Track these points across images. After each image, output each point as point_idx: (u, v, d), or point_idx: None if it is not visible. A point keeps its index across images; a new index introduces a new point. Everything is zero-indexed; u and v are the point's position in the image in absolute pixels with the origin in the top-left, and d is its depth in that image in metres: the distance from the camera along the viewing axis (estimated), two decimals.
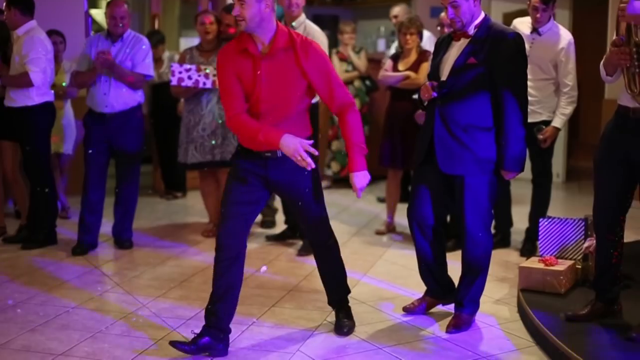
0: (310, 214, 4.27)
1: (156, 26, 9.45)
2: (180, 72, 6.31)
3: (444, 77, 4.42)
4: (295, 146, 3.86)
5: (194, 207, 7.98)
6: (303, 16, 6.20)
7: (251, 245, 6.32)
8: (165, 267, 5.83)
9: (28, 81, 6.06)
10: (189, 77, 6.30)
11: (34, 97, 6.18)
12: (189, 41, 9.92)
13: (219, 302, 4.11)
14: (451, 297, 4.71)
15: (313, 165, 3.93)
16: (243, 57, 4.02)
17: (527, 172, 5.10)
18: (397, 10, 7.54)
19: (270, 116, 4.01)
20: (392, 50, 8.06)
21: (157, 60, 8.14)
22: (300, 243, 6.29)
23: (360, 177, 4.09)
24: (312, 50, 4.01)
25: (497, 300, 5.03)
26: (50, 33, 6.64)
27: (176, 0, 11.08)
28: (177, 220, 7.54)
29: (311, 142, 3.95)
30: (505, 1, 9.55)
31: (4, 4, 6.21)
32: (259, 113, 4.02)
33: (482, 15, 4.40)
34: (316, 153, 3.93)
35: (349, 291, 4.55)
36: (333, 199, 8.04)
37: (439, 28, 6.58)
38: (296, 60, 3.98)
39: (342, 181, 9.01)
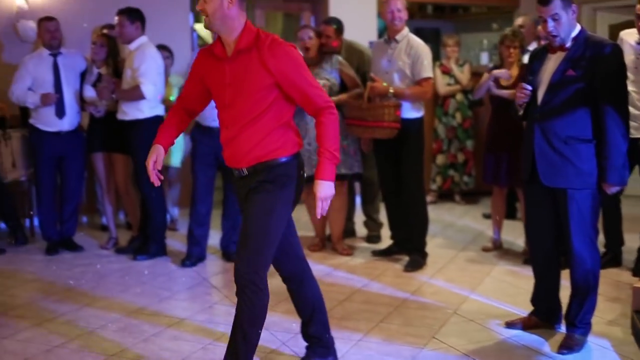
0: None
1: None
2: None
3: (541, 92, 4.34)
4: (324, 195, 3.60)
5: (299, 221, 7.93)
6: (406, 29, 6.17)
7: (357, 260, 6.39)
8: (272, 280, 5.81)
9: (140, 94, 6.24)
10: None
11: (145, 110, 6.36)
12: None
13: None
14: (555, 320, 4.64)
15: (156, 183, 3.77)
16: (213, 60, 3.71)
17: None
18: (522, 20, 7.33)
19: (237, 124, 3.66)
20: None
21: None
22: (406, 258, 6.26)
23: (325, 187, 3.59)
24: (280, 50, 3.57)
25: (610, 321, 4.88)
26: (158, 48, 6.81)
27: (279, 13, 11.18)
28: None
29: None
30: (611, 13, 9.32)
31: (117, 19, 6.41)
32: (225, 120, 3.73)
33: (578, 27, 4.29)
34: (158, 180, 3.79)
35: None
36: (438, 215, 8.01)
37: (535, 42, 6.46)
38: (260, 61, 3.56)
39: (446, 196, 8.96)
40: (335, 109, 3.67)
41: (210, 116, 6.16)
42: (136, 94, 6.28)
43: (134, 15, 6.40)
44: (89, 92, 6.64)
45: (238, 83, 3.61)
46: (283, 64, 3.56)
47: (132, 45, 6.42)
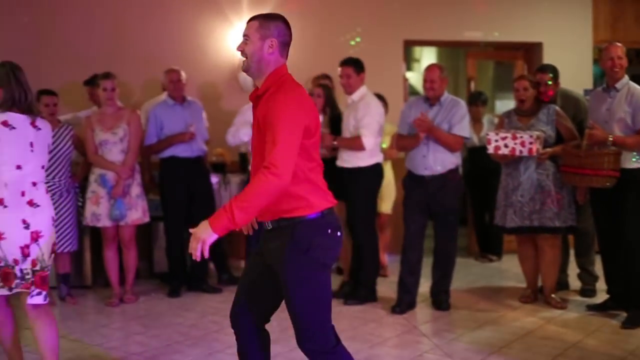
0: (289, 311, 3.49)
1: (472, 89, 9.58)
2: (496, 141, 6.26)
3: None
4: (197, 235, 3.23)
5: (509, 271, 7.90)
6: (626, 77, 5.92)
7: (570, 314, 6.19)
8: (484, 331, 5.80)
9: (360, 145, 6.41)
10: (505, 146, 6.22)
11: (366, 158, 6.51)
12: (504, 104, 9.96)
13: None
14: None
15: (197, 258, 3.24)
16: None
17: None
18: None
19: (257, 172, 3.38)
20: None
21: (477, 121, 8.25)
22: (624, 315, 5.98)
23: (202, 227, 3.20)
24: (274, 98, 3.33)
25: None
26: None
27: (490, 62, 11.15)
28: (493, 284, 7.50)
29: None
30: None
31: (342, 70, 6.59)
32: (252, 167, 3.57)
33: None
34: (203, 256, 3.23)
35: None
36: None
37: None
38: (260, 107, 3.41)
39: None
40: (277, 174, 3.18)
41: (421, 164, 6.22)
42: (357, 145, 6.46)
43: (360, 67, 6.60)
44: None
45: (255, 129, 3.49)
46: (267, 110, 3.33)
47: (355, 96, 6.61)
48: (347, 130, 6.61)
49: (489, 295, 6.97)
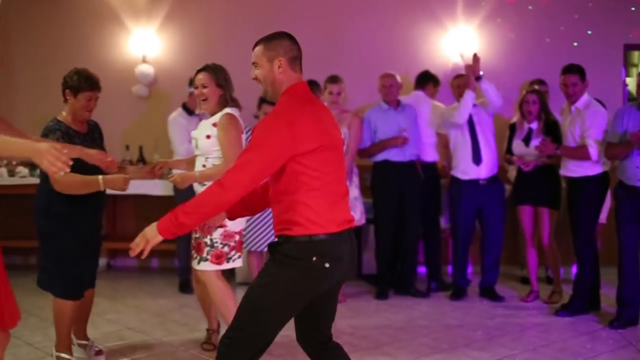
0: None
1: None
2: None
3: None
4: (145, 234, 3.26)
5: None
6: None
7: None
8: None
9: (587, 155, 6.24)
10: None
11: (595, 167, 6.34)
12: None
13: None
14: None
15: (133, 254, 3.27)
16: None
17: None
18: None
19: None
20: None
21: None
22: None
23: (149, 229, 3.25)
24: (264, 118, 3.39)
25: None
26: None
27: None
28: None
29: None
30: None
31: (567, 77, 6.41)
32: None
33: None
34: None
35: None
36: None
37: None
38: None
39: None
40: (224, 188, 3.20)
41: (634, 176, 5.94)
42: (583, 154, 6.29)
43: (584, 74, 6.42)
44: (520, 147, 6.79)
45: None
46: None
47: (580, 103, 6.43)
48: (572, 139, 6.44)
49: None
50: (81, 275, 4.85)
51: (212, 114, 5.01)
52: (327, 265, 3.26)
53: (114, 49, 8.67)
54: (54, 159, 2.95)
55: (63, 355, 4.86)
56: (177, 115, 7.33)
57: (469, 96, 6.86)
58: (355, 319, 6.36)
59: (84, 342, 5.15)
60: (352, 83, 7.98)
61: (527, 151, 6.75)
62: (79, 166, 4.41)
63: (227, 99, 5.04)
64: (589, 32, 8.42)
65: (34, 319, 6.15)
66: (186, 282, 7.30)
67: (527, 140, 6.77)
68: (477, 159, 6.92)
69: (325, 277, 3.31)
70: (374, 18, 8.45)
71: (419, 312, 6.59)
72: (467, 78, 6.94)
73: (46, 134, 4.69)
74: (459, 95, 7.02)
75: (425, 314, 6.54)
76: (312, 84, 7.56)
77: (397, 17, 8.43)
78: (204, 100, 5.00)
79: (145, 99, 8.69)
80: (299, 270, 3.26)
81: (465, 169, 6.99)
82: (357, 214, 6.87)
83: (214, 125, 4.93)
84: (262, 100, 6.68)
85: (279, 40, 3.45)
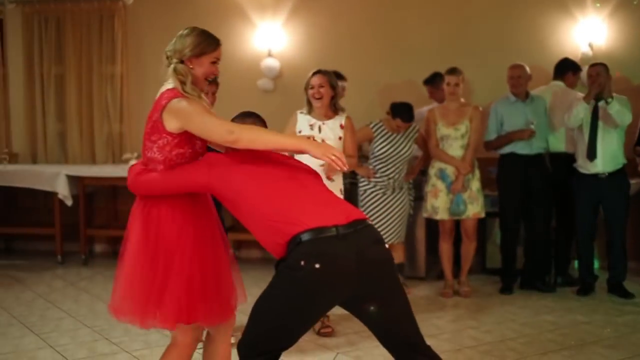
0: None
1: None
2: None
3: None
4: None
5: None
6: None
7: None
8: None
9: None
10: None
11: None
12: None
13: None
14: None
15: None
16: None
17: None
18: None
19: None
20: None
21: None
22: None
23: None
24: None
25: None
26: None
27: None
28: None
29: None
30: None
31: None
32: None
33: None
34: None
35: None
36: None
37: None
38: None
39: None
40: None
41: None
42: None
43: None
44: None
45: None
46: None
47: None
48: None
49: None
50: None
51: (325, 116, 5.64)
52: (317, 266, 3.01)
53: (240, 44, 8.85)
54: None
55: None
56: None
57: (581, 107, 6.68)
58: (480, 312, 6.30)
59: None
60: (478, 77, 7.90)
61: None
62: None
63: (336, 101, 5.62)
64: None
65: None
66: None
67: None
68: (591, 154, 6.71)
69: (321, 279, 3.03)
70: (501, 8, 8.29)
71: (544, 307, 6.46)
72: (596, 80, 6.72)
73: None
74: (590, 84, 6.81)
75: (551, 309, 6.41)
76: (435, 76, 7.56)
77: (525, 7, 8.25)
78: (319, 98, 5.52)
79: (271, 92, 8.83)
80: (291, 277, 3.07)
81: (583, 164, 6.81)
82: (479, 207, 6.84)
83: (341, 127, 5.63)
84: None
85: None
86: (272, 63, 8.73)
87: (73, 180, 8.35)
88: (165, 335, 5.31)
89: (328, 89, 5.53)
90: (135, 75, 9.09)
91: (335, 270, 3.03)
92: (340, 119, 5.62)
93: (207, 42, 3.45)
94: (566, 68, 7.45)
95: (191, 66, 3.41)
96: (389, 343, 3.29)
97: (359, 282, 3.08)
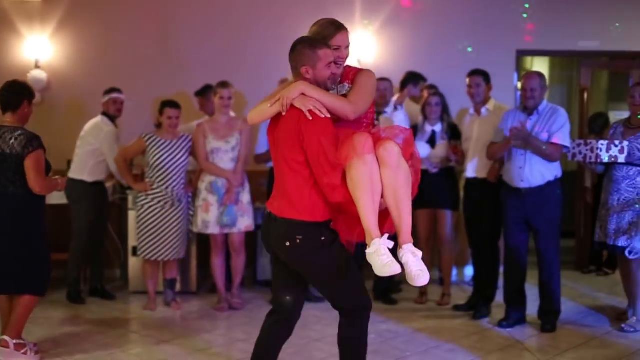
0: None
1: (585, 100, 9.34)
2: (573, 148, 6.20)
3: None
4: None
5: (619, 286, 7.62)
6: None
7: None
8: (589, 348, 5.65)
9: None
10: (580, 152, 6.14)
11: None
12: (617, 115, 9.65)
13: None
14: None
15: None
16: None
17: None
18: None
19: None
20: None
21: None
22: None
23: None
24: None
25: None
26: None
27: (604, 72, 10.82)
28: (600, 299, 7.35)
29: None
30: None
31: (472, 79, 6.63)
32: None
33: None
34: None
35: None
36: None
37: None
38: None
39: None
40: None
41: (518, 176, 6.16)
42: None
43: (488, 77, 6.62)
44: (424, 149, 6.85)
45: None
46: None
47: (490, 105, 6.68)
48: (483, 140, 6.56)
49: (595, 311, 6.81)
50: None
51: None
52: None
53: (7, 55, 8.43)
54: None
55: None
56: (108, 126, 7.19)
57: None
58: (250, 325, 6.30)
59: None
60: (249, 90, 7.96)
61: (433, 153, 6.84)
62: None
63: None
64: (481, 38, 8.57)
65: None
66: None
67: (432, 143, 6.86)
68: None
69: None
70: (274, 24, 8.37)
71: (313, 317, 6.53)
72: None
73: None
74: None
75: (319, 318, 6.51)
76: (207, 88, 7.54)
77: (301, 24, 8.30)
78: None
79: (38, 104, 8.44)
80: None
81: None
82: (250, 220, 6.91)
83: None
84: None
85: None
86: (39, 75, 8.38)
87: None
88: None
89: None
90: None
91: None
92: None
93: None
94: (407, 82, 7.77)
95: None
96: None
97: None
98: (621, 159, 5.95)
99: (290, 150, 3.73)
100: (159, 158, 6.70)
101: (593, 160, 6.04)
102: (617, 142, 5.97)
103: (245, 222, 6.86)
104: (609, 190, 6.19)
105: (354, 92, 3.83)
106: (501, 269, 6.75)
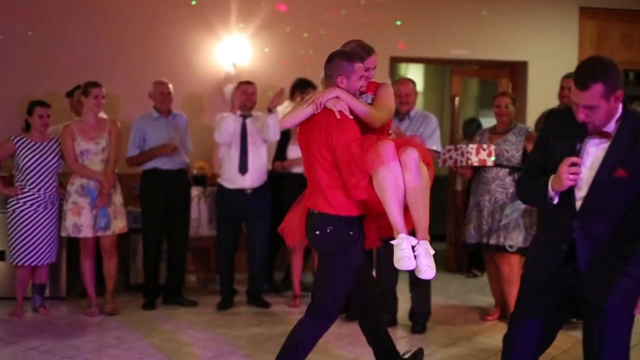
0: None
1: (456, 106, 9.60)
2: (443, 154, 6.44)
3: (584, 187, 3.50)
4: None
5: (487, 287, 7.87)
6: None
7: None
8: (458, 347, 5.80)
9: None
10: (450, 157, 6.40)
11: None
12: (486, 121, 9.98)
13: None
14: None
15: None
16: None
17: None
18: None
19: None
20: None
21: None
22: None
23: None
24: None
25: None
26: None
27: (475, 80, 11.17)
28: (469, 300, 7.55)
29: None
30: None
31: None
32: None
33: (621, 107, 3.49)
34: None
35: None
36: None
37: None
38: None
39: None
40: None
41: None
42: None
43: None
44: (293, 152, 6.91)
45: None
46: None
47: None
48: None
49: (465, 311, 7.00)
50: None
51: None
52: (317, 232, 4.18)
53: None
54: None
55: None
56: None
57: (225, 121, 6.92)
58: (120, 330, 6.21)
59: None
60: (123, 91, 7.83)
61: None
62: None
63: None
64: None
65: None
66: None
67: None
68: (243, 168, 6.95)
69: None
70: (148, 26, 8.23)
71: (186, 321, 6.53)
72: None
73: None
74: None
75: (192, 322, 6.49)
76: (78, 89, 7.32)
77: (172, 26, 8.25)
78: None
79: None
80: None
81: (231, 178, 6.99)
82: (124, 221, 6.81)
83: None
84: None
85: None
86: None
87: None
88: None
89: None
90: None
91: None
92: None
93: None
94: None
95: None
96: None
97: None
98: (489, 162, 6.19)
99: (320, 150, 4.08)
100: (29, 160, 6.50)
101: (464, 164, 6.24)
102: (484, 145, 6.22)
103: (119, 224, 6.73)
104: (479, 192, 6.39)
105: (379, 103, 4.25)
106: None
